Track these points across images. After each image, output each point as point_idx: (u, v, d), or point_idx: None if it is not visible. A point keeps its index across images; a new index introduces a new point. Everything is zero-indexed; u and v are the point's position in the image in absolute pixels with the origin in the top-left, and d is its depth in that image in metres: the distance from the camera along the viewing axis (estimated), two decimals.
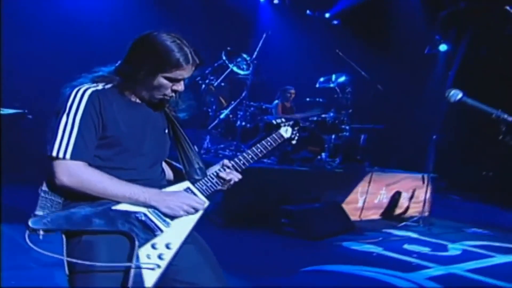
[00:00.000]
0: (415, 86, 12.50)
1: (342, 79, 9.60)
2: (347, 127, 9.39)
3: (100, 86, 2.44)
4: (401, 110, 11.99)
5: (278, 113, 9.34)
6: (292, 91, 9.64)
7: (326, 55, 10.73)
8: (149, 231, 2.38)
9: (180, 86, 2.48)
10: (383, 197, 8.81)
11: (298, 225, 6.93)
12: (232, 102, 9.01)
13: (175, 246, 2.40)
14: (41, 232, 2.24)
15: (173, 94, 2.51)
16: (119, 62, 2.50)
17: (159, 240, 2.38)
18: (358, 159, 9.44)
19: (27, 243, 2.22)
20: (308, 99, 9.73)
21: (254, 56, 8.88)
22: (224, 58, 9.02)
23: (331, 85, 9.65)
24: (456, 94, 2.85)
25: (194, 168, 2.63)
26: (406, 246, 6.99)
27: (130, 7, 9.68)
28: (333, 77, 9.70)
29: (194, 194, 2.55)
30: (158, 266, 2.34)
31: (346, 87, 9.56)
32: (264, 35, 9.05)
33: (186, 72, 2.44)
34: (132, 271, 2.29)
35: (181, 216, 2.46)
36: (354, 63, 9.83)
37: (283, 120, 2.97)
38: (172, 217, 2.44)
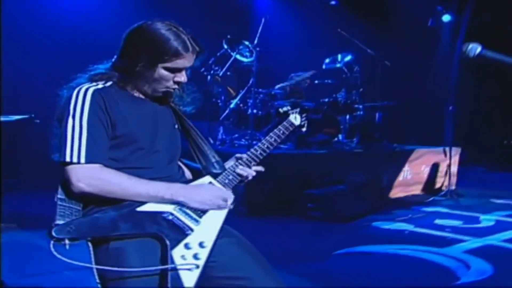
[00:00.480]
0: (423, 60, 12.41)
1: (348, 58, 9.55)
2: (360, 106, 9.33)
3: (100, 85, 2.36)
4: (412, 85, 11.90)
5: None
6: (308, 80, 9.53)
7: (329, 36, 10.64)
8: (179, 231, 2.28)
9: (182, 77, 2.39)
10: (407, 174, 8.73)
11: (325, 208, 6.90)
12: (241, 91, 8.92)
13: (209, 244, 2.31)
14: (67, 242, 2.14)
15: (176, 86, 2.43)
16: (114, 57, 2.42)
17: (191, 240, 2.28)
18: (376, 138, 9.39)
19: (54, 254, 2.12)
20: (316, 81, 9.67)
21: (255, 42, 8.81)
22: (225, 46, 8.98)
23: (338, 65, 9.60)
24: (475, 48, 2.61)
25: (211, 162, 2.56)
26: (437, 221, 6.92)
27: (126, 2, 9.61)
28: (339, 57, 9.65)
29: None
30: (197, 267, 2.24)
31: (353, 66, 9.52)
32: (263, 20, 9.00)
33: (186, 61, 2.36)
34: (169, 274, 2.20)
35: (212, 209, 2.38)
36: (358, 41, 9.76)
37: (289, 108, 2.93)
38: (201, 214, 2.35)
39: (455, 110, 8.87)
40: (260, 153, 2.65)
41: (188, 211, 2.33)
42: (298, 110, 2.90)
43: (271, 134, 2.73)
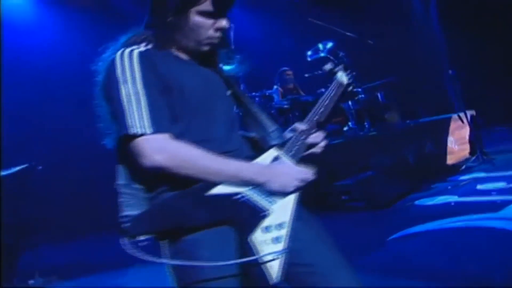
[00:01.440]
0: (403, 31, 12.41)
1: (329, 45, 9.47)
2: (359, 89, 9.26)
3: (142, 47, 2.15)
4: (402, 58, 11.85)
5: (280, 97, 9.19)
6: (289, 72, 9.53)
7: (303, 29, 10.64)
8: (256, 214, 2.08)
9: (223, 22, 2.21)
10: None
11: (361, 197, 6.77)
12: None
13: (287, 224, 2.11)
14: (141, 237, 1.94)
15: (219, 34, 2.23)
16: (146, 17, 2.24)
17: (270, 222, 2.09)
18: (386, 117, 9.31)
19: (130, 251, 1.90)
20: (306, 75, 9.58)
21: (232, 47, 8.66)
22: None
23: (322, 54, 9.49)
24: None
25: (269, 132, 2.34)
26: (480, 187, 6.77)
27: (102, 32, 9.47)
28: (320, 46, 9.58)
29: None
30: (284, 251, 2.05)
31: (337, 52, 9.39)
32: (232, 25, 8.84)
33: (220, 2, 2.15)
34: (255, 264, 2.01)
35: (292, 192, 2.16)
36: (333, 27, 9.70)
37: (331, 64, 2.76)
38: (277, 194, 2.13)
39: (456, 74, 8.79)
40: (318, 119, 2.45)
41: (264, 190, 2.13)
42: (341, 67, 2.76)
43: (323, 96, 2.54)
